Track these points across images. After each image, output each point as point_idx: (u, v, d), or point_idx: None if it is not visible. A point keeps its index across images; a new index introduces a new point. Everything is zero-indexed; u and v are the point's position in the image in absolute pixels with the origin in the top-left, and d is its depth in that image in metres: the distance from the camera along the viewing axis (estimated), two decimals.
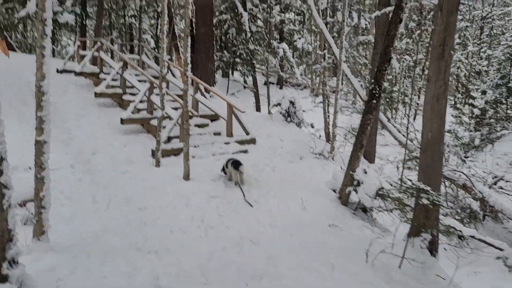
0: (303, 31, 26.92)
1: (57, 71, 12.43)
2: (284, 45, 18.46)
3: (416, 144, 12.04)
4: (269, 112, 18.79)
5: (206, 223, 5.63)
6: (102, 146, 8.77)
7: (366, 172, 6.76)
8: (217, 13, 20.97)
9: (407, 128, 9.40)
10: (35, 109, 3.72)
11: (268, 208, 6.39)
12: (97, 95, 10.56)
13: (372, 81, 6.93)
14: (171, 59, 24.03)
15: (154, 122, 9.76)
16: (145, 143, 9.23)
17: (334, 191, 7.51)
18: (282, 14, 21.07)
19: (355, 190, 6.83)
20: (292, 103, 11.91)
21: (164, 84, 7.94)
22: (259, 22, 20.27)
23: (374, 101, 6.83)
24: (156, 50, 27.59)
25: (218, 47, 18.58)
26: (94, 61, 12.90)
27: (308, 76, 27.62)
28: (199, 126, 10.22)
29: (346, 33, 9.37)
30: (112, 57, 19.44)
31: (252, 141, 10.16)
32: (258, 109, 18.28)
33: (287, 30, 24.75)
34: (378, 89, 6.81)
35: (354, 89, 11.61)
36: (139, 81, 11.23)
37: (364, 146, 6.95)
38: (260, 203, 6.62)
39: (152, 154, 8.53)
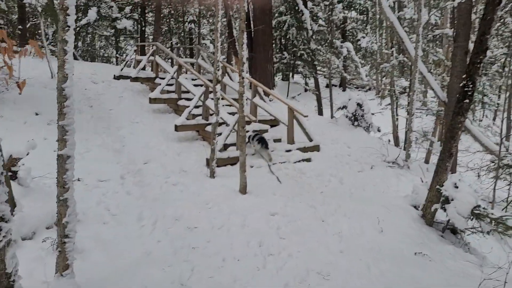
0: (366, 30, 25.45)
1: (114, 77, 12.21)
2: (348, 44, 17.27)
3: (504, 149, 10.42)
4: (332, 117, 17.73)
5: (265, 249, 4.75)
6: (155, 155, 8.21)
7: (457, 187, 5.55)
8: (276, 14, 20.21)
9: (501, 132, 7.98)
10: (57, 117, 3.04)
11: (338, 230, 5.39)
12: (151, 100, 10.11)
13: (464, 76, 5.71)
14: (230, 63, 23.72)
15: (210, 129, 9.08)
16: (200, 151, 8.57)
17: (415, 207, 6.35)
18: (345, 12, 19.83)
19: (443, 208, 5.64)
20: (359, 105, 10.78)
21: (218, 87, 7.21)
22: (320, 22, 19.24)
23: (467, 100, 5.61)
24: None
25: (278, 48, 17.74)
26: (152, 66, 12.58)
27: (373, 76, 26.06)
28: (257, 132, 9.40)
29: (423, 23, 8.13)
30: (172, 63, 19.28)
31: (316, 148, 9.18)
32: (320, 112, 17.22)
33: (349, 29, 23.44)
34: (471, 86, 5.58)
35: (431, 88, 10.26)
36: (195, 85, 10.65)
37: (453, 155, 5.74)
38: (328, 223, 5.63)
39: (206, 163, 7.83)
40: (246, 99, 10.16)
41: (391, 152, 9.22)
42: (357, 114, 10.75)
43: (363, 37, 22.96)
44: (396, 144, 16.33)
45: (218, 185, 7.00)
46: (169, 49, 24.81)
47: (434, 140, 12.56)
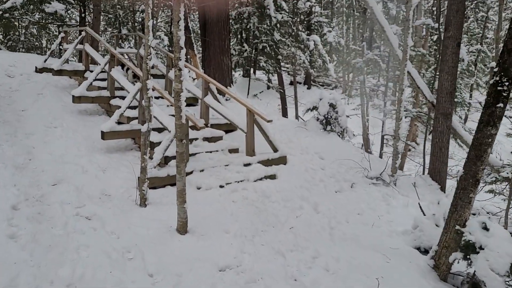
0: (332, 23, 23.99)
1: (36, 70, 9.93)
2: (315, 37, 15.63)
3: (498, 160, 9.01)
4: (297, 117, 16.01)
5: None
6: (71, 172, 6.14)
7: (487, 229, 3.86)
8: (236, 4, 18.28)
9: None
10: None
11: None
12: (75, 99, 7.97)
13: (496, 70, 4.00)
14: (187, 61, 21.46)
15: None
16: (134, 165, 6.54)
17: (420, 250, 4.66)
18: (312, 0, 18.13)
19: (468, 259, 3.94)
20: (332, 106, 9.06)
21: (149, 83, 5.25)
22: (284, 13, 17.45)
23: (501, 104, 3.90)
24: (170, 49, 25.20)
25: (238, 41, 15.84)
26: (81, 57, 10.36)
27: (339, 73, 24.65)
28: (209, 140, 7.49)
29: (414, 5, 6.49)
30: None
31: (282, 160, 7.37)
32: (285, 113, 15.48)
33: (315, 22, 21.83)
34: (507, 84, 3.87)
35: (417, 87, 8.69)
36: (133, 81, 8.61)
37: (479, 181, 4.03)
38: (304, 285, 3.81)
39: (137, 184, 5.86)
40: (199, 100, 8.21)
41: (373, 164, 7.54)
42: (330, 117, 9.03)
43: (329, 31, 21.42)
44: (366, 147, 14.85)
45: (149, 218, 5.04)
46: (113, 39, 22.37)
47: (413, 144, 11.06)
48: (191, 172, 6.32)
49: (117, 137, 7.11)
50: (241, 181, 6.38)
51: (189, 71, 9.88)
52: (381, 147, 11.82)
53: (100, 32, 18.81)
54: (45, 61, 10.03)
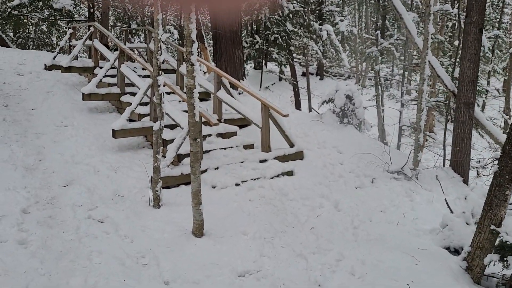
0: (344, 12, 23.49)
1: (45, 67, 9.79)
2: (328, 26, 15.24)
3: None
4: (310, 110, 15.68)
5: None
6: (82, 173, 5.98)
7: None
8: None
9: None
10: None
11: None
12: (85, 97, 7.80)
13: None
14: (198, 54, 21.12)
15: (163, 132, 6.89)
16: (146, 165, 6.34)
17: (450, 250, 4.39)
18: None
19: (505, 261, 3.66)
20: (349, 98, 8.75)
21: (161, 79, 5.03)
22: (295, 3, 17.04)
23: None
24: (180, 42, 24.97)
25: (249, 33, 15.53)
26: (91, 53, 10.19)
27: (352, 63, 24.19)
28: (223, 136, 7.26)
29: None
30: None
31: (299, 155, 7.12)
32: (298, 105, 15.18)
33: (326, 11, 21.36)
34: None
35: (437, 76, 8.33)
36: (145, 76, 8.40)
37: None
38: None
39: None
40: (211, 95, 7.98)
41: (393, 157, 7.24)
42: (346, 109, 8.73)
43: (341, 21, 20.95)
44: (382, 138, 14.49)
45: (163, 220, 4.84)
46: (122, 34, 22.22)
47: (431, 135, 10.69)
48: (206, 170, 6.11)
49: (129, 135, 6.93)
50: (257, 178, 6.14)
51: (200, 65, 9.65)
52: (399, 139, 11.48)
53: (110, 27, 18.65)
54: (54, 58, 9.89)
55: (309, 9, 17.49)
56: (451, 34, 19.59)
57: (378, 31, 15.19)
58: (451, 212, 5.20)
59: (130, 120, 7.32)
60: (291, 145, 7.14)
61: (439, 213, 5.36)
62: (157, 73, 4.97)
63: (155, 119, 7.21)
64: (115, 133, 6.72)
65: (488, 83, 20.07)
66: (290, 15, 12.95)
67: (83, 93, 7.77)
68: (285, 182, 6.09)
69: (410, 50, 13.08)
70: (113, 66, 8.06)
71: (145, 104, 7.43)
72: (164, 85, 6.38)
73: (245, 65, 15.99)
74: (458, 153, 8.04)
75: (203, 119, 6.41)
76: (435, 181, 6.96)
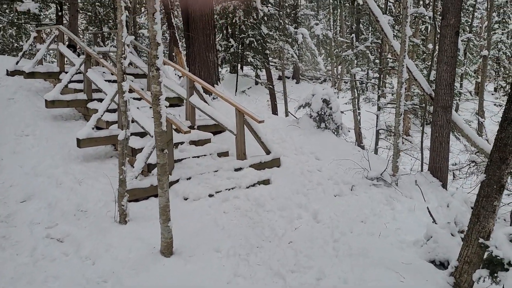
0: (319, 16, 23.49)
1: (7, 73, 9.24)
2: (303, 29, 15.08)
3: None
4: (287, 114, 15.46)
5: None
6: (43, 186, 5.53)
7: None
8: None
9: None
10: None
11: None
12: (48, 104, 7.32)
13: None
14: (173, 59, 20.63)
15: (131, 142, 6.51)
16: (113, 175, 5.94)
17: (435, 263, 4.17)
18: None
19: (494, 277, 3.44)
20: (326, 102, 8.53)
21: (126, 85, 4.67)
22: (270, 7, 16.82)
23: None
24: None
25: (224, 37, 15.21)
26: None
27: (328, 67, 24.16)
28: (196, 143, 6.93)
29: None
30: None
31: (276, 162, 6.84)
32: (274, 109, 14.94)
33: (301, 15, 21.28)
34: None
35: (414, 79, 8.21)
36: (113, 82, 7.98)
37: (504, 187, 3.53)
38: None
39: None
40: (184, 100, 7.63)
41: (372, 163, 7.04)
42: (323, 114, 8.51)
43: (316, 24, 20.90)
44: (359, 142, 14.39)
45: (129, 237, 4.47)
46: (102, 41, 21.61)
47: (409, 139, 10.60)
48: (177, 181, 5.77)
49: (95, 144, 6.51)
50: (232, 188, 5.83)
51: (174, 70, 9.29)
52: (376, 142, 11.35)
53: (82, 31, 18.06)
54: (17, 63, 9.34)
55: (284, 12, 17.33)
56: (424, 38, 19.76)
57: (353, 35, 15.13)
58: (434, 221, 5.01)
59: (98, 128, 6.92)
60: (268, 152, 6.86)
61: (422, 222, 5.16)
62: (122, 78, 4.60)
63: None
64: (80, 143, 6.30)
65: (461, 85, 20.33)
66: (265, 18, 12.71)
67: (46, 100, 7.30)
68: (262, 192, 5.80)
69: (385, 53, 13.03)
70: (79, 71, 7.61)
71: (113, 110, 7.03)
72: (131, 91, 6.03)
73: (221, 69, 15.68)
74: (437, 157, 7.92)
75: (175, 126, 6.07)
76: (415, 187, 6.80)
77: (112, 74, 8.73)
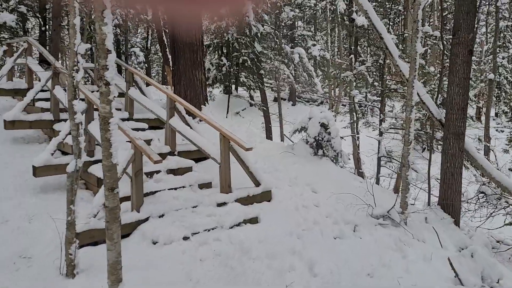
0: (316, 37, 22.92)
1: None
2: (300, 49, 14.38)
3: None
4: (282, 138, 14.59)
5: None
6: None
7: None
8: (215, 18, 16.96)
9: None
10: None
11: None
12: (8, 124, 6.42)
13: None
14: (163, 82, 19.77)
15: (95, 170, 5.60)
16: (56, 218, 4.96)
17: None
18: (295, 11, 16.92)
19: None
20: (324, 126, 7.67)
21: (77, 104, 3.77)
22: (266, 26, 16.14)
23: None
24: (146, 66, 23.76)
25: (217, 55, 14.45)
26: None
27: (325, 89, 23.45)
28: (175, 172, 6.00)
29: (423, 3, 5.21)
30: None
31: (266, 196, 5.91)
32: (269, 132, 14.06)
33: (299, 35, 20.65)
34: None
35: (422, 102, 7.38)
36: (81, 100, 7.09)
37: None
38: None
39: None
40: (167, 122, 6.73)
41: (377, 198, 6.12)
42: (321, 139, 7.63)
43: (314, 45, 20.26)
44: (358, 169, 13.49)
45: None
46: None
47: (415, 167, 9.71)
48: (146, 219, 4.82)
49: (55, 173, 5.57)
50: (212, 228, 4.87)
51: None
52: (378, 171, 10.46)
53: (64, 46, 17.29)
54: None
55: (281, 32, 16.67)
56: (423, 59, 19.13)
57: (352, 55, 14.41)
58: (457, 275, 4.07)
59: (63, 153, 6.02)
60: (257, 183, 5.93)
61: (442, 276, 4.23)
62: (73, 96, 3.71)
63: (91, 152, 5.92)
64: (36, 171, 5.38)
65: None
66: (259, 35, 11.93)
67: (5, 120, 6.40)
68: (248, 233, 4.85)
69: (386, 75, 12.29)
70: (44, 88, 6.74)
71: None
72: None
73: (212, 89, 14.86)
74: (448, 190, 7.06)
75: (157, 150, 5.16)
76: (426, 226, 5.89)
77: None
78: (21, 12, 11.68)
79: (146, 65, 23.50)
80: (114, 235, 3.02)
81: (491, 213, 8.63)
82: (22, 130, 6.89)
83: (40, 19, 13.44)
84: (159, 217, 4.93)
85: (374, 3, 13.83)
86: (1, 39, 11.06)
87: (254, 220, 5.26)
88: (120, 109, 7.83)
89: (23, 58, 7.85)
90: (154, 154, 4.59)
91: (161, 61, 23.14)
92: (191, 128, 6.63)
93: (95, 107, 5.71)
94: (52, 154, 5.49)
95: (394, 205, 5.66)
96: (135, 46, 23.85)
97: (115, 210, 3.01)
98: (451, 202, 7.01)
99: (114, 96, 2.96)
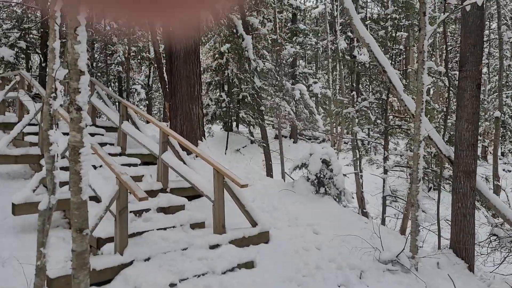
0: (318, 75, 22.95)
1: None
2: (301, 85, 14.21)
3: None
4: (283, 176, 14.19)
5: None
6: None
7: None
8: (216, 55, 17.00)
9: None
10: None
11: None
12: None
13: None
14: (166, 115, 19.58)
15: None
16: (54, 252, 4.52)
17: None
18: (296, 47, 16.92)
19: None
20: (326, 163, 7.29)
21: (53, 134, 3.42)
22: (267, 63, 16.09)
23: None
24: (147, 103, 23.72)
25: (215, 89, 14.30)
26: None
27: (326, 126, 23.23)
28: (165, 210, 5.58)
29: (429, 33, 4.95)
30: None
31: (263, 237, 5.45)
32: (269, 170, 13.66)
33: (300, 73, 20.64)
34: None
35: (429, 138, 7.02)
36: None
37: None
38: None
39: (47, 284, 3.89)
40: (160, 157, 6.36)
41: (385, 240, 5.64)
42: (323, 176, 7.23)
43: (315, 83, 20.21)
44: (362, 208, 12.98)
45: None
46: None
47: (424, 207, 9.21)
48: (130, 263, 4.36)
49: (36, 211, 5.14)
50: (203, 274, 4.41)
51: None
52: (383, 211, 9.97)
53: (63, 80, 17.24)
54: None
55: (282, 69, 16.62)
56: (428, 95, 18.98)
57: (354, 92, 14.24)
58: None
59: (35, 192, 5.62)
60: (254, 223, 5.49)
61: None
62: (49, 125, 3.36)
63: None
64: (15, 209, 5.00)
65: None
66: (258, 69, 11.74)
67: None
68: (242, 280, 4.38)
69: (389, 112, 12.03)
70: (33, 122, 6.44)
71: (66, 168, 5.74)
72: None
73: (210, 125, 14.60)
74: (460, 233, 6.59)
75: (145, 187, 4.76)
76: (439, 273, 5.39)
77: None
78: (21, 47, 11.58)
79: (147, 102, 23.46)
80: (81, 285, 2.58)
81: (505, 257, 8.10)
82: (8, 166, 6.52)
83: (41, 55, 13.40)
84: (145, 260, 4.48)
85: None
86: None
87: (249, 265, 4.78)
88: (113, 144, 7.50)
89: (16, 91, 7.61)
90: (140, 190, 4.20)
91: (162, 98, 23.13)
92: (185, 163, 6.25)
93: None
94: (34, 190, 5.10)
95: (404, 248, 5.19)
96: (137, 83, 23.92)
97: (83, 255, 2.60)
98: (464, 246, 6.52)
99: (87, 124, 2.61)
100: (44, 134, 3.45)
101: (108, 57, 20.60)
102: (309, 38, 19.19)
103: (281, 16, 20.35)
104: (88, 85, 2.59)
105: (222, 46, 14.82)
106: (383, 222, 9.67)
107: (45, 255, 3.38)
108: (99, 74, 19.40)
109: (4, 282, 4.07)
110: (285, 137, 21.18)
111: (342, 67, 20.21)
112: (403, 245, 5.39)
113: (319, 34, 22.88)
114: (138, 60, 22.29)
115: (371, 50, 7.30)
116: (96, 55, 19.95)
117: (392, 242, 5.90)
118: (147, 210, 5.45)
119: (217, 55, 17.01)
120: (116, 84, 22.79)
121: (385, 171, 9.90)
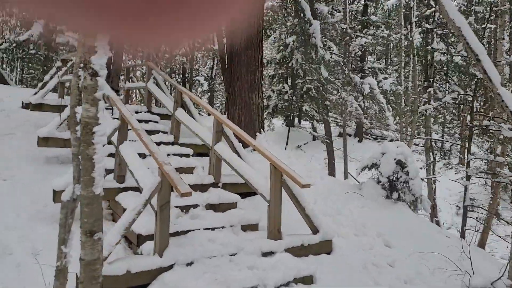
0: (389, 70, 21.49)
1: (22, 105, 8.06)
2: (370, 79, 13.10)
3: None
4: (346, 175, 13.22)
5: None
6: None
7: None
8: (281, 47, 16.29)
9: None
10: None
11: None
12: (40, 142, 5.82)
13: None
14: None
15: (123, 198, 4.73)
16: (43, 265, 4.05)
17: None
18: (367, 37, 15.77)
19: None
20: (401, 164, 6.32)
21: (80, 112, 2.87)
22: (334, 56, 15.08)
23: None
24: (209, 94, 23.56)
25: (278, 83, 13.60)
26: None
27: (396, 125, 21.74)
28: (215, 208, 4.97)
29: None
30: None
31: (326, 247, 4.66)
32: (331, 169, 12.76)
33: (369, 67, 19.35)
34: None
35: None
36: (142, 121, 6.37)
37: None
38: None
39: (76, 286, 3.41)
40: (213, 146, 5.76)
41: (476, 262, 4.63)
42: (396, 180, 6.27)
43: (385, 78, 18.84)
44: (433, 216, 11.69)
45: None
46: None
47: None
48: (170, 267, 3.78)
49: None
50: (252, 287, 3.72)
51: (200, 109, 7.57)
52: (463, 223, 8.74)
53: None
54: (34, 94, 8.13)
55: (350, 63, 15.56)
56: None
57: (431, 88, 12.91)
58: None
59: None
60: (314, 229, 4.72)
61: None
62: (76, 102, 2.82)
63: (121, 178, 5.07)
64: (56, 196, 4.60)
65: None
66: (325, 58, 10.82)
67: (38, 137, 5.80)
68: None
69: (475, 111, 10.66)
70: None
71: (112, 155, 5.32)
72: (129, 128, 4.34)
73: (272, 119, 13.91)
74: None
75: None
76: None
77: (136, 112, 7.23)
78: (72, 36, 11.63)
79: (209, 94, 23.32)
80: None
81: None
82: (57, 149, 6.25)
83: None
84: (187, 265, 3.88)
85: None
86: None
87: (308, 280, 4.02)
88: (166, 132, 7.06)
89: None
90: (183, 184, 3.58)
91: (225, 92, 22.97)
92: (240, 156, 5.60)
93: (129, 127, 4.89)
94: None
95: (502, 275, 4.17)
96: (200, 74, 23.84)
97: (94, 266, 1.99)
98: None
99: (107, 96, 2.00)
100: (71, 111, 2.92)
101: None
102: (381, 31, 17.87)
103: (351, 7, 19.21)
104: (108, 44, 1.97)
105: (287, 37, 14.10)
106: (462, 235, 8.46)
107: (66, 255, 2.85)
108: (162, 63, 19.53)
109: (32, 279, 3.65)
110: (349, 135, 20.05)
111: (416, 63, 18.66)
112: (498, 269, 4.36)
113: (392, 27, 21.37)
114: (203, 51, 22.16)
115: (462, 34, 6.19)
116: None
117: (480, 263, 4.87)
118: (195, 206, 4.87)
119: (281, 47, 16.30)
120: (180, 76, 22.86)
121: (468, 177, 8.65)
